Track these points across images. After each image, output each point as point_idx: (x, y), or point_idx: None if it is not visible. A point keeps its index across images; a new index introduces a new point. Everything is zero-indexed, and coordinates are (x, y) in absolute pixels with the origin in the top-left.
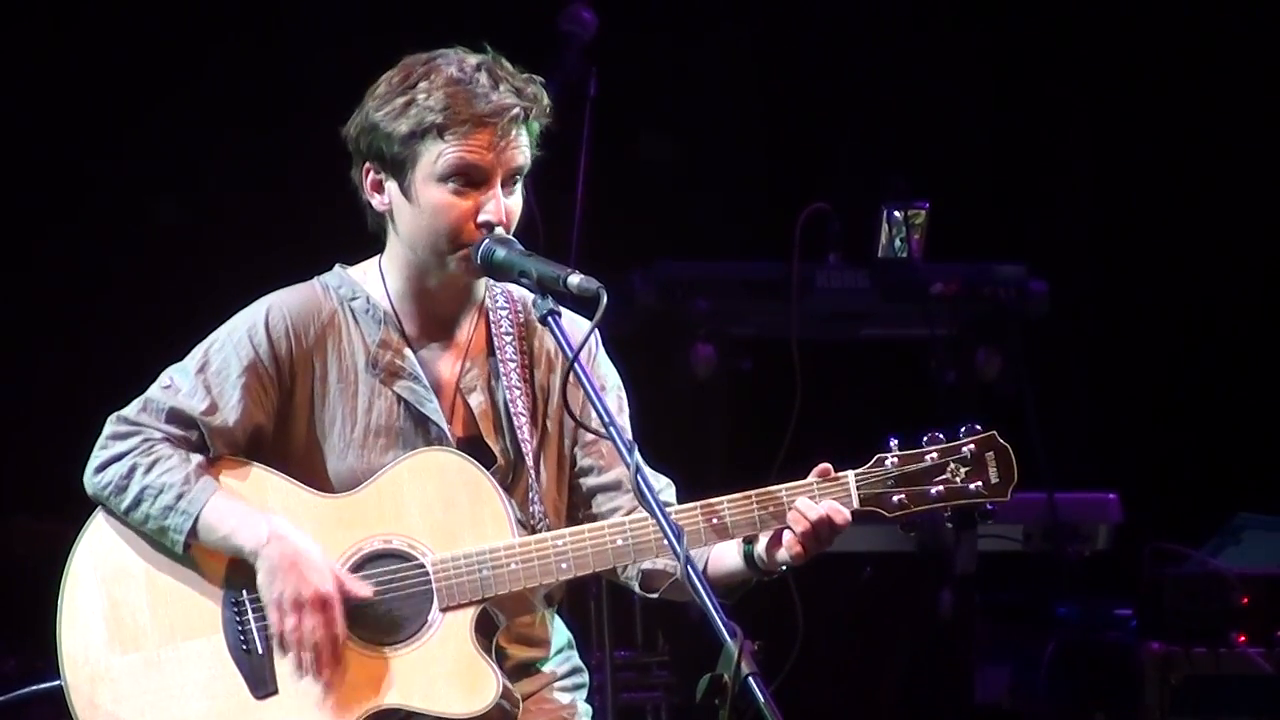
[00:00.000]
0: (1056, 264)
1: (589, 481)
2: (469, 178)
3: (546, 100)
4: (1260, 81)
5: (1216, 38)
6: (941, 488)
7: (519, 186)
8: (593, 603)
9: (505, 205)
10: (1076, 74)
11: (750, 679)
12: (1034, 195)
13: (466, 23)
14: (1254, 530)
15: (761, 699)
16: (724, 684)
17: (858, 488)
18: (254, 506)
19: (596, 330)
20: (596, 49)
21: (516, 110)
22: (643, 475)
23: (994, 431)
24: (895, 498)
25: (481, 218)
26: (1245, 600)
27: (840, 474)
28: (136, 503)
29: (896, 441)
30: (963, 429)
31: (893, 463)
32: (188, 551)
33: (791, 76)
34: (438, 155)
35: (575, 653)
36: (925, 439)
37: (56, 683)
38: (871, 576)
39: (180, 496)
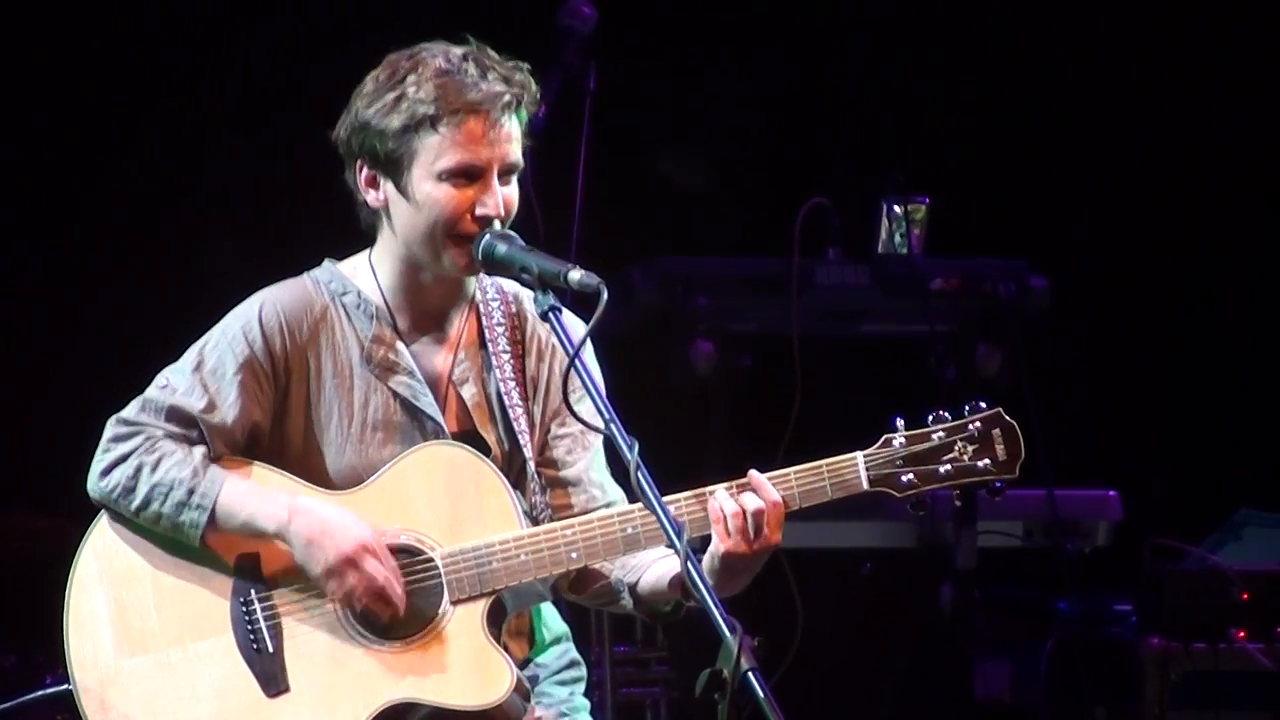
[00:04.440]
0: (1057, 260)
1: (550, 473)
2: (467, 173)
3: (535, 87)
4: (1262, 78)
5: (1217, 35)
6: (950, 466)
7: (515, 178)
8: None
9: (502, 197)
10: (1077, 69)
11: (750, 674)
12: (1034, 190)
13: (463, 17)
14: (1254, 526)
15: (761, 694)
16: (723, 679)
17: (866, 468)
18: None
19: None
20: (596, 43)
21: (507, 97)
22: (643, 472)
23: (999, 409)
24: (904, 477)
25: (479, 211)
26: (1245, 596)
27: (849, 455)
28: (147, 502)
29: (901, 421)
30: (967, 407)
31: (900, 443)
32: (204, 544)
33: (791, 71)
34: (435, 151)
35: (573, 646)
36: (931, 418)
37: (65, 687)
38: (871, 572)
39: (192, 491)
